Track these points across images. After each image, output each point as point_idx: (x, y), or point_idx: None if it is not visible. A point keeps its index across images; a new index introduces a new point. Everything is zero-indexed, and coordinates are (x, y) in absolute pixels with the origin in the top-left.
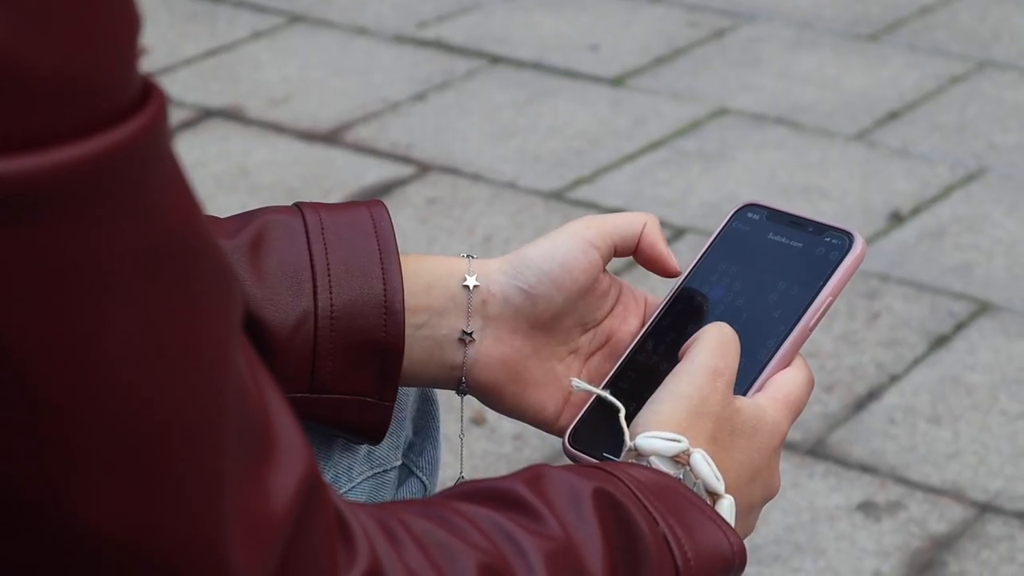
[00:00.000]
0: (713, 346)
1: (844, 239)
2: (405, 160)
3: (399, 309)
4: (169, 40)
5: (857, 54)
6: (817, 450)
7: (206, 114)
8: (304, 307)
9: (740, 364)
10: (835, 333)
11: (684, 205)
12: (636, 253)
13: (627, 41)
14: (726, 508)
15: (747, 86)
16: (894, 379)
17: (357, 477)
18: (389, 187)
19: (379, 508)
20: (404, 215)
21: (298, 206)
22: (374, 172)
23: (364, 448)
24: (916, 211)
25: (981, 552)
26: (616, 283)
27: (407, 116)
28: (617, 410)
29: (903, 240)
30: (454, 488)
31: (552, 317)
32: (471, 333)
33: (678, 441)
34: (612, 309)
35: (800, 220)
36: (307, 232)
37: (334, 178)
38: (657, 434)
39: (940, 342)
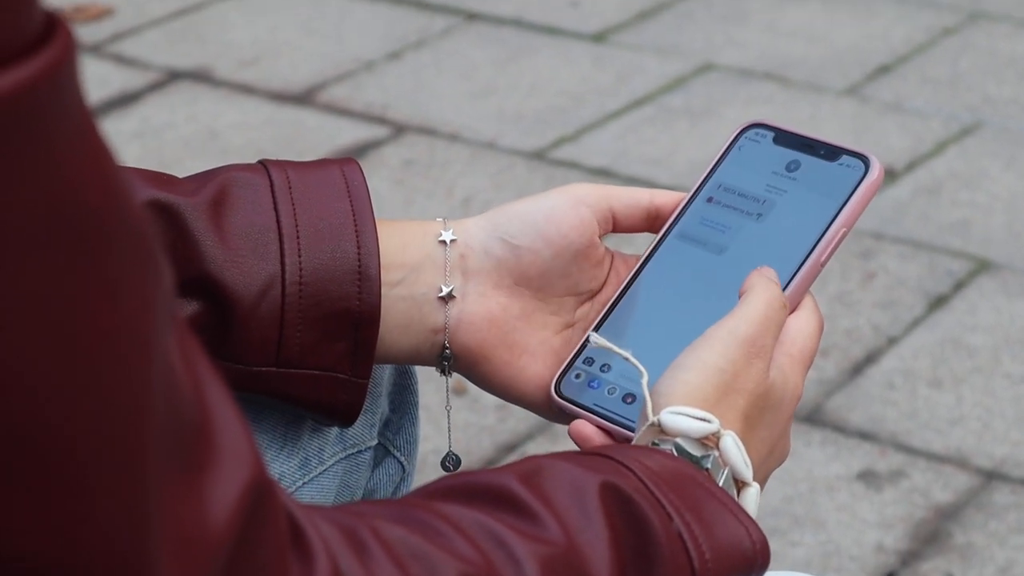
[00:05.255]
0: (757, 317)
1: (859, 163)
2: (380, 121)
3: (374, 275)
4: (135, 1)
5: (845, 7)
6: (814, 417)
7: (174, 76)
8: (270, 271)
9: None
10: (829, 294)
11: (671, 163)
12: (658, 219)
13: None
14: (751, 498)
15: (733, 41)
16: (892, 342)
17: (329, 459)
18: (364, 149)
19: (346, 512)
20: (379, 177)
21: (263, 163)
22: (348, 133)
23: (336, 427)
24: (910, 167)
25: (988, 522)
26: (609, 253)
27: (382, 76)
28: (640, 375)
29: (898, 197)
30: (436, 483)
31: (540, 274)
32: (451, 290)
33: (708, 421)
34: (607, 280)
35: (811, 142)
36: (273, 191)
37: (307, 140)
38: (685, 410)
39: (939, 302)
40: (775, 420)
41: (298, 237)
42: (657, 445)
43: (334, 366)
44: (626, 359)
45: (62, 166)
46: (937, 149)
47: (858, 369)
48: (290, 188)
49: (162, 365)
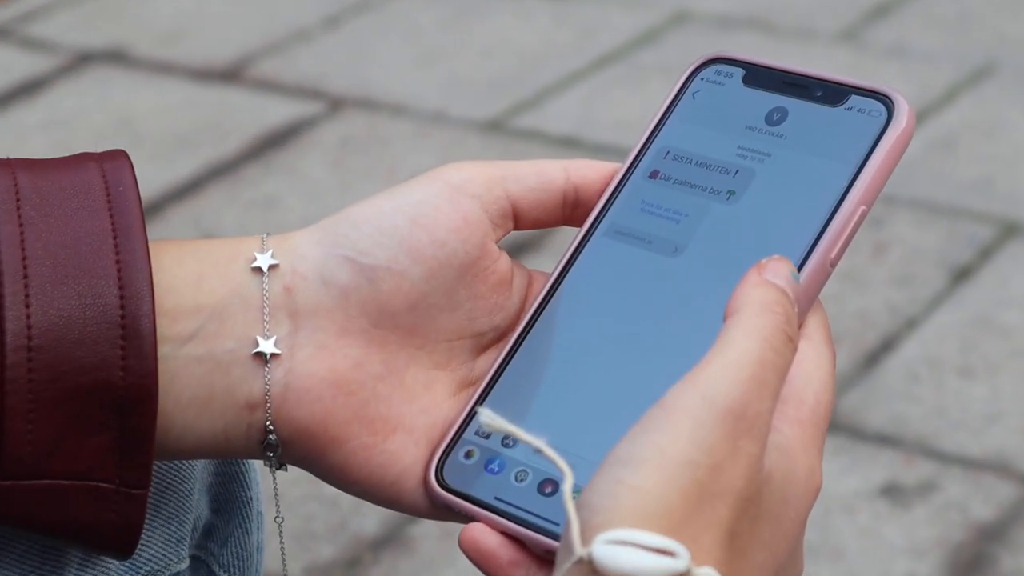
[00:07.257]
0: (747, 367)
1: (878, 106)
2: (314, 95)
3: (147, 328)
4: None
5: None
6: None
7: (84, 58)
8: None
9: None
10: (835, 272)
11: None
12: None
13: None
14: None
15: None
16: (912, 324)
17: None
18: (296, 127)
19: None
20: (313, 159)
21: None
22: (278, 111)
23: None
24: (920, 119)
25: None
26: (523, 272)
27: (318, 45)
28: (561, 476)
29: (908, 154)
30: None
31: (410, 307)
32: (274, 342)
33: (673, 555)
34: (521, 311)
35: (802, 79)
36: None
37: (231, 121)
38: (633, 536)
39: (963, 274)
40: (779, 533)
41: (25, 277)
42: None
43: (91, 471)
44: (538, 451)
45: None
46: (948, 97)
47: (874, 359)
48: (18, 200)
49: None
